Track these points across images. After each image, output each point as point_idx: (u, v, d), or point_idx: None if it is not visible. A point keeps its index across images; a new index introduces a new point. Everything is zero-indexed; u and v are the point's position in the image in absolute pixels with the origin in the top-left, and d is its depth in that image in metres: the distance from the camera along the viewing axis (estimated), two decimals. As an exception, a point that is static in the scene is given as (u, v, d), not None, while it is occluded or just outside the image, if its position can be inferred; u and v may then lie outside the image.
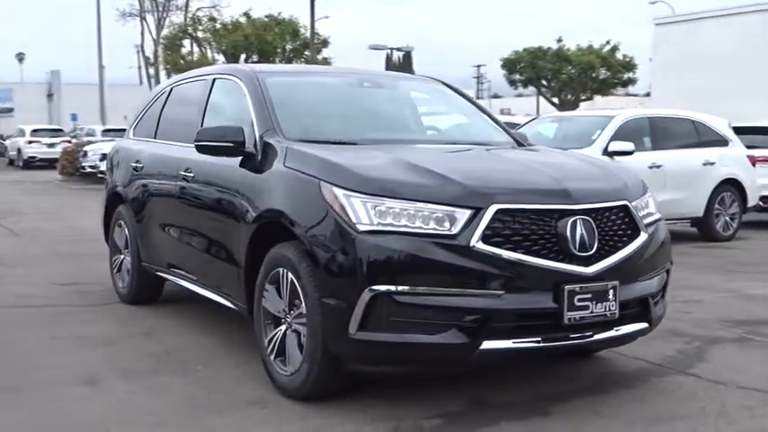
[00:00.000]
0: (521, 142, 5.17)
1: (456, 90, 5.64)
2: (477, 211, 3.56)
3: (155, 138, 6.07)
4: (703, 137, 11.30)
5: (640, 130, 10.59)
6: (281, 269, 3.99)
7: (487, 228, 3.55)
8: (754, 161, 11.84)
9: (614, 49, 44.05)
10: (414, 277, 3.51)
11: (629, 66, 43.89)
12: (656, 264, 4.08)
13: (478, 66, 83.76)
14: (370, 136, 4.62)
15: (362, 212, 3.58)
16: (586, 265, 3.67)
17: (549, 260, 3.61)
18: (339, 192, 3.67)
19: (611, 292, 3.71)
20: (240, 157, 4.50)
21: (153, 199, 5.72)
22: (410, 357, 3.66)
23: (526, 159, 4.34)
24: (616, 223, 3.87)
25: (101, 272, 7.58)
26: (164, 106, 6.10)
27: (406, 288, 3.49)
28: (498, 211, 3.57)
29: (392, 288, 3.49)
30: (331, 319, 3.63)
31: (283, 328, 4.03)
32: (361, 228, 3.56)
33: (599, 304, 3.67)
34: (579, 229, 3.67)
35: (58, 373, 4.45)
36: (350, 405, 3.88)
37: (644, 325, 3.96)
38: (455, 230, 3.54)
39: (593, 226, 3.73)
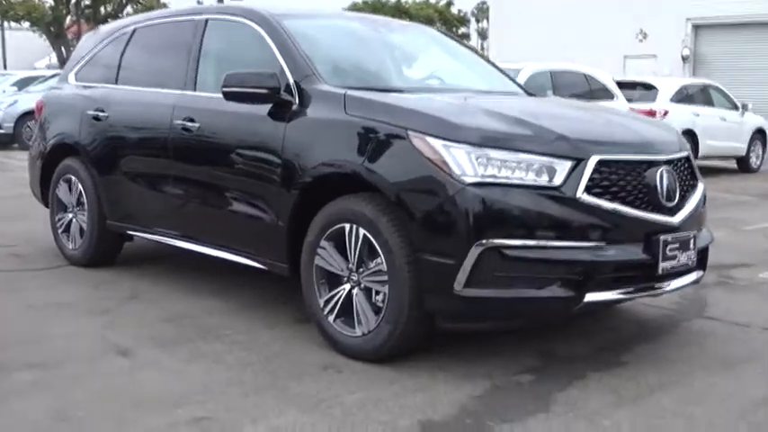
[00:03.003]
0: (529, 92, 5.15)
1: (455, 38, 5.50)
2: (578, 163, 3.49)
3: (116, 83, 5.51)
4: (594, 90, 11.79)
5: (544, 83, 10.89)
6: (347, 224, 3.74)
7: (589, 179, 3.48)
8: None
9: (449, 3, 44.94)
10: (522, 230, 3.39)
11: (463, 20, 45.01)
12: (705, 214, 4.18)
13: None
14: (411, 84, 4.40)
15: (467, 164, 3.41)
16: (672, 214, 3.71)
17: (642, 211, 3.60)
18: (437, 142, 3.46)
19: (692, 241, 3.78)
20: (269, 105, 4.17)
21: (129, 152, 5.19)
22: (514, 312, 3.55)
23: (585, 109, 4.30)
24: (684, 174, 3.93)
25: (15, 233, 6.91)
26: (125, 49, 5.54)
27: (515, 242, 3.38)
28: (598, 162, 3.52)
29: (501, 242, 3.36)
30: (431, 275, 3.45)
31: (347, 287, 3.80)
32: (467, 180, 3.38)
33: (684, 254, 3.73)
34: (666, 180, 3.69)
35: (78, 344, 3.99)
36: (424, 364, 3.73)
37: (701, 272, 4.06)
38: (558, 182, 3.45)
39: (675, 176, 3.76)
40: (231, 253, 4.52)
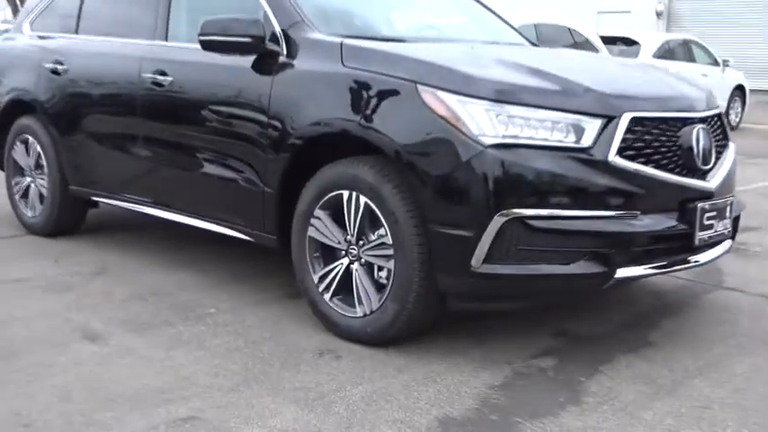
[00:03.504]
0: (533, 42, 4.72)
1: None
2: (609, 121, 3.07)
3: (76, 33, 4.97)
4: (578, 44, 11.38)
5: (528, 36, 10.40)
6: (344, 192, 3.30)
7: (622, 140, 3.07)
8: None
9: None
10: (548, 198, 2.97)
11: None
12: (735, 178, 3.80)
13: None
14: (410, 33, 3.94)
15: (485, 122, 2.97)
16: (708, 179, 3.32)
17: (678, 175, 3.21)
18: (450, 98, 3.02)
19: (728, 208, 3.40)
20: (253, 57, 3.69)
21: (92, 109, 4.68)
22: (537, 291, 3.14)
23: (606, 61, 3.88)
24: (717, 133, 3.54)
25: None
26: (85, -5, 4.99)
27: (540, 211, 2.96)
28: (631, 120, 3.10)
29: (525, 212, 2.94)
30: (444, 250, 3.03)
31: (345, 261, 3.37)
32: (486, 141, 2.95)
33: (720, 222, 3.35)
34: (702, 140, 3.29)
35: (39, 329, 3.51)
36: (433, 347, 3.33)
37: (730, 242, 3.70)
38: (587, 143, 3.03)
39: (710, 136, 3.37)
40: (211, 222, 4.06)
